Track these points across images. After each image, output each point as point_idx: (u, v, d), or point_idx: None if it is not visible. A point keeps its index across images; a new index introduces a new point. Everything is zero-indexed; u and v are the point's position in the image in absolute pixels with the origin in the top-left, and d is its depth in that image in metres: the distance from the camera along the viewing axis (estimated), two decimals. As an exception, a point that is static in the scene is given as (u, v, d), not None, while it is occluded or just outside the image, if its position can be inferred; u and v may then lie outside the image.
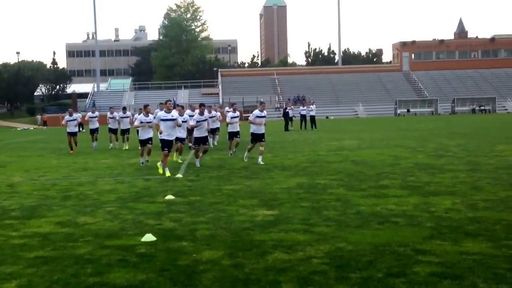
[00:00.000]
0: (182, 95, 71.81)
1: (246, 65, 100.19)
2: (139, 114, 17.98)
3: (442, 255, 6.15)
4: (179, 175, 13.78)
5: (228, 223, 8.11)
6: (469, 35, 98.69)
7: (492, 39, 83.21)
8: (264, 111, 16.57)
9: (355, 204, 9.40)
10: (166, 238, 7.23)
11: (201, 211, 9.12)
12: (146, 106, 16.76)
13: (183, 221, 8.35)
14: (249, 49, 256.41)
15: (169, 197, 10.48)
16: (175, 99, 57.70)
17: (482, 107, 63.67)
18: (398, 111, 63.86)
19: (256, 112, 16.52)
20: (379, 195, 10.19)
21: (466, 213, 8.39)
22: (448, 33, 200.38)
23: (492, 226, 7.48)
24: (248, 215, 8.64)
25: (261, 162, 15.84)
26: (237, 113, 19.07)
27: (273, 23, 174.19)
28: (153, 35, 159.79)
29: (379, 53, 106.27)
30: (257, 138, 16.36)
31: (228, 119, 18.96)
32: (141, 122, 16.35)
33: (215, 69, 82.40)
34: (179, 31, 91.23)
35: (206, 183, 12.49)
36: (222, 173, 14.15)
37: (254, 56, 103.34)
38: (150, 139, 16.45)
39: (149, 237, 7.19)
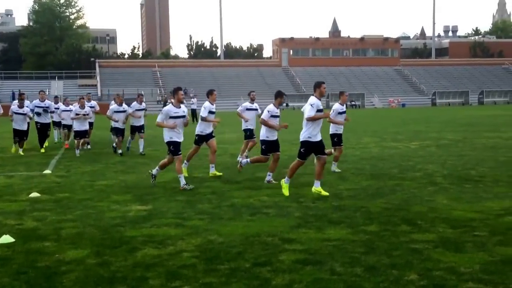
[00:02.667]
0: (56, 86, 68.14)
1: (126, 56, 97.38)
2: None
3: (306, 242, 6.45)
4: (47, 171, 13.12)
5: (98, 220, 7.87)
6: (342, 34, 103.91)
7: (362, 39, 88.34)
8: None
9: (229, 196, 9.55)
10: (26, 239, 6.83)
11: (69, 208, 8.75)
12: (21, 95, 18.05)
13: (47, 219, 7.95)
14: (129, 40, 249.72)
15: (34, 194, 9.92)
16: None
17: (353, 102, 67.64)
18: (278, 105, 65.84)
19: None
20: (253, 187, 10.45)
21: (331, 202, 8.87)
22: (323, 32, 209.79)
23: (353, 213, 7.98)
24: (120, 211, 8.44)
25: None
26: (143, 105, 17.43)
27: (155, 14, 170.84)
28: (21, 20, 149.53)
29: (260, 48, 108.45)
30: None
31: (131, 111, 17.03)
32: (77, 114, 17.01)
33: (92, 59, 79.05)
34: (52, 18, 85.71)
35: (77, 178, 12.01)
36: (96, 168, 13.69)
37: (134, 47, 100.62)
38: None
39: (6, 239, 6.73)
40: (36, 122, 18.51)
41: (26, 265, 5.82)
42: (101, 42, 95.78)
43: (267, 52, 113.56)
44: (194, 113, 36.75)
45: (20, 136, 17.38)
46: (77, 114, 17.03)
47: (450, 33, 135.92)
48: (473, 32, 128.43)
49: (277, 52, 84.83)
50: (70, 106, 19.18)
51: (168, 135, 10.62)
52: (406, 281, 5.10)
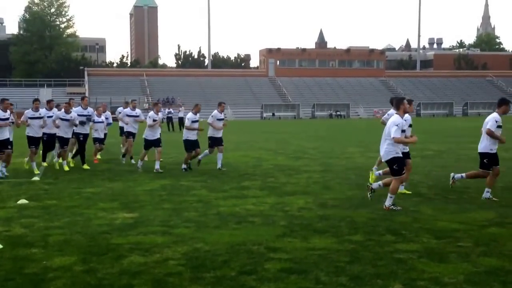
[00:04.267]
0: (45, 94, 67.75)
1: (115, 65, 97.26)
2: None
3: (292, 251, 6.50)
4: (36, 178, 13.05)
5: (85, 227, 7.86)
6: (328, 46, 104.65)
7: (348, 50, 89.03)
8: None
9: (215, 205, 9.58)
10: (14, 245, 6.83)
11: (57, 215, 8.73)
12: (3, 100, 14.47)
13: (35, 226, 7.94)
14: (118, 49, 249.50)
15: (22, 201, 9.90)
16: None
17: (338, 113, 68.46)
18: (264, 114, 65.99)
19: (216, 113, 14.79)
20: (239, 196, 10.49)
21: (317, 211, 8.94)
22: (310, 43, 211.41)
23: (338, 222, 8.05)
24: (107, 219, 8.44)
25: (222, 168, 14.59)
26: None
27: (144, 23, 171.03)
28: (12, 28, 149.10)
29: (247, 58, 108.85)
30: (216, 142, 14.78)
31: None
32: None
33: (81, 67, 78.92)
34: (42, 26, 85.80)
35: (65, 186, 11.97)
36: (83, 176, 13.64)
37: (123, 56, 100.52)
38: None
39: (-6, 245, 6.73)
40: (77, 133, 15.34)
41: (13, 271, 5.81)
42: (90, 50, 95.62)
43: (254, 62, 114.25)
44: (181, 121, 36.86)
45: (64, 143, 14.79)
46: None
47: (435, 45, 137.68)
48: (458, 45, 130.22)
49: (264, 63, 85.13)
50: (102, 117, 16.50)
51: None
52: (390, 291, 5.17)
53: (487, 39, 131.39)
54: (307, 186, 11.71)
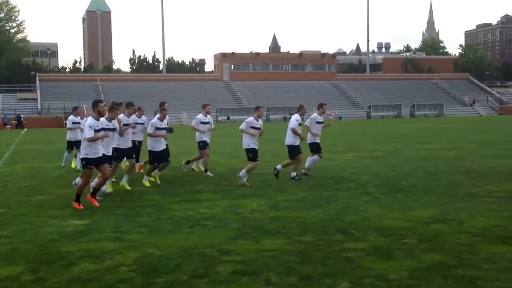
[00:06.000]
0: (-4, 99, 65.92)
1: (68, 70, 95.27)
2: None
3: (244, 253, 6.59)
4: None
5: (34, 235, 7.72)
6: (282, 50, 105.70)
7: (300, 54, 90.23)
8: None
9: (169, 209, 9.58)
10: (-40, 256, 6.65)
11: (4, 224, 8.53)
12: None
13: (-19, 236, 7.74)
14: (71, 54, 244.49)
15: (-32, 211, 9.62)
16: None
17: (291, 115, 69.19)
18: (220, 118, 66.06)
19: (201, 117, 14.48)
20: (193, 200, 10.52)
21: (269, 213, 9.09)
22: (264, 47, 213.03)
23: (290, 224, 8.21)
24: (57, 226, 8.32)
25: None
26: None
27: (97, 28, 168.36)
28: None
29: (201, 62, 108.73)
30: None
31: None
32: None
33: (32, 73, 76.90)
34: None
35: (14, 194, 11.70)
36: (34, 183, 13.36)
37: (76, 61, 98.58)
38: None
39: None
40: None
41: (-43, 283, 5.67)
42: (41, 55, 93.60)
43: (209, 67, 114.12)
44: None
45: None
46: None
47: (383, 50, 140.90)
48: (405, 49, 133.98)
49: (219, 67, 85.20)
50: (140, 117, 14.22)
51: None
52: (338, 289, 5.33)
53: (432, 43, 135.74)
54: (260, 188, 11.85)
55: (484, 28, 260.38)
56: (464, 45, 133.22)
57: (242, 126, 13.00)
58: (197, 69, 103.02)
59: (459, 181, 12.37)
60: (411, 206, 9.46)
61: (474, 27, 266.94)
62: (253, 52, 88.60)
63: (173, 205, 9.97)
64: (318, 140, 13.94)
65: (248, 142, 12.79)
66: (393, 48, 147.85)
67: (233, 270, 5.92)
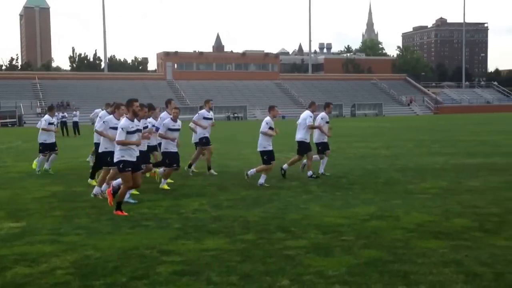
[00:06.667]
0: None
1: (4, 67, 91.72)
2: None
3: (185, 253, 6.56)
4: None
5: (-36, 240, 7.40)
6: (225, 49, 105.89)
7: (244, 54, 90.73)
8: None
9: (109, 210, 9.38)
10: None
11: None
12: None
13: None
14: (7, 51, 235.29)
15: None
16: None
17: (236, 114, 69.61)
18: (163, 117, 65.56)
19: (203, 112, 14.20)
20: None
21: (211, 212, 9.08)
22: (207, 46, 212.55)
23: (231, 223, 8.23)
24: (-10, 230, 8.00)
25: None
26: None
27: (35, 25, 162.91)
28: None
29: (144, 61, 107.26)
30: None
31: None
32: None
33: (-35, 70, 73.77)
34: None
35: None
36: (-36, 186, 12.79)
37: (13, 59, 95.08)
38: None
39: None
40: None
41: None
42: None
43: (152, 66, 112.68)
44: (76, 126, 35.55)
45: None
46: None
47: (325, 50, 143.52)
48: (345, 50, 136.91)
49: (162, 66, 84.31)
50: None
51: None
52: (278, 287, 5.38)
53: (371, 44, 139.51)
54: (203, 187, 11.81)
55: (420, 30, 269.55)
56: (401, 47, 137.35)
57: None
58: (140, 68, 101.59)
59: (396, 179, 12.76)
60: (350, 204, 9.68)
61: (411, 29, 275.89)
62: (197, 51, 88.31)
63: (114, 206, 9.77)
64: (326, 140, 13.72)
65: (264, 143, 12.22)
66: (334, 49, 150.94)
67: (174, 271, 5.88)
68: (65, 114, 37.97)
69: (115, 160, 9.24)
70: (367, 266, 5.96)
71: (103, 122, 11.19)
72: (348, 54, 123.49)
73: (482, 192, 10.69)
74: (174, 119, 12.18)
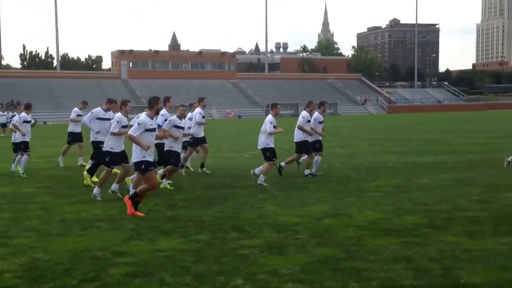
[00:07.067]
0: None
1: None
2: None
3: (138, 254, 6.47)
4: None
5: None
6: (182, 48, 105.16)
7: (200, 53, 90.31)
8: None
9: (60, 211, 9.19)
10: None
11: None
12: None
13: None
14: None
15: None
16: None
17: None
18: (118, 116, 64.57)
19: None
20: (86, 201, 10.16)
21: (166, 212, 9.00)
22: (163, 45, 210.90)
23: (186, 223, 8.17)
24: None
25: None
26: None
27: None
28: None
29: (98, 60, 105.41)
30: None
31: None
32: None
33: None
34: None
35: None
36: None
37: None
38: None
39: None
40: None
41: None
42: None
43: (106, 64, 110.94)
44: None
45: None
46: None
47: (281, 49, 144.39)
48: (301, 49, 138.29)
49: (116, 64, 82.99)
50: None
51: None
52: (232, 287, 5.37)
53: (326, 44, 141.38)
54: (157, 187, 11.63)
55: (374, 31, 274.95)
56: (356, 47, 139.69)
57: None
58: (94, 66, 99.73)
59: (350, 177, 12.96)
60: (305, 202, 9.77)
61: (366, 30, 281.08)
62: (152, 50, 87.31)
63: (64, 207, 9.58)
64: (320, 138, 13.70)
65: (267, 141, 12.12)
66: (290, 48, 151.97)
67: (126, 272, 5.79)
68: (15, 113, 36.84)
69: (135, 160, 8.99)
70: (320, 264, 6.02)
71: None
72: (304, 54, 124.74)
73: (432, 190, 10.98)
74: (180, 117, 12.13)
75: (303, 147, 13.24)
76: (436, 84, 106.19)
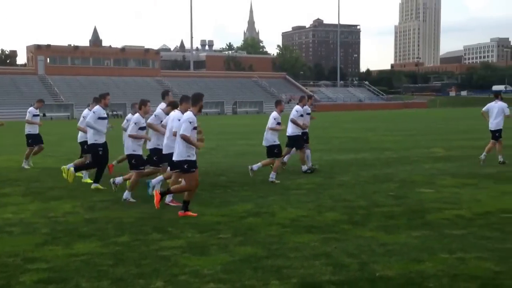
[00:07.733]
0: None
1: None
2: None
3: (52, 260, 6.18)
4: None
5: None
6: (103, 44, 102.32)
7: (123, 49, 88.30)
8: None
9: (-32, 217, 8.64)
10: None
11: None
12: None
13: None
14: None
15: None
16: None
17: (115, 112, 67.85)
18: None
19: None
20: (-3, 205, 9.62)
21: (84, 215, 8.67)
22: (84, 40, 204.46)
23: (105, 225, 7.92)
24: None
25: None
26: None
27: None
28: None
29: (13, 54, 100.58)
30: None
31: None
32: None
33: None
34: None
35: None
36: None
37: None
38: None
39: None
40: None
41: None
42: None
43: (21, 59, 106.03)
44: None
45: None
46: None
47: (207, 47, 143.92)
48: (227, 47, 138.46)
49: (32, 60, 79.43)
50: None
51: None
52: (151, 289, 5.25)
53: (252, 43, 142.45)
54: (76, 189, 11.25)
55: (299, 30, 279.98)
56: (281, 46, 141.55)
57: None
58: (8, 61, 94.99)
59: (274, 175, 13.04)
60: (229, 201, 9.74)
61: (291, 29, 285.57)
62: (72, 45, 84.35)
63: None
64: (307, 130, 13.83)
65: (273, 138, 12.29)
66: (216, 46, 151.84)
67: (39, 279, 5.52)
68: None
69: (178, 158, 8.58)
70: (242, 263, 6.01)
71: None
72: (230, 52, 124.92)
73: (352, 186, 11.28)
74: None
75: (295, 142, 13.38)
76: (358, 83, 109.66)
